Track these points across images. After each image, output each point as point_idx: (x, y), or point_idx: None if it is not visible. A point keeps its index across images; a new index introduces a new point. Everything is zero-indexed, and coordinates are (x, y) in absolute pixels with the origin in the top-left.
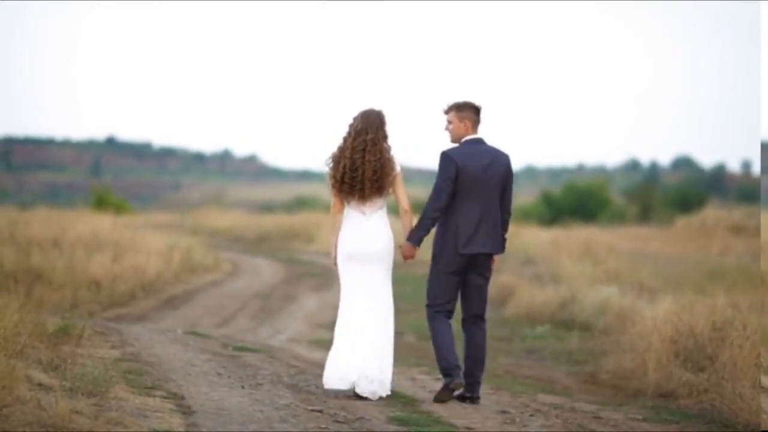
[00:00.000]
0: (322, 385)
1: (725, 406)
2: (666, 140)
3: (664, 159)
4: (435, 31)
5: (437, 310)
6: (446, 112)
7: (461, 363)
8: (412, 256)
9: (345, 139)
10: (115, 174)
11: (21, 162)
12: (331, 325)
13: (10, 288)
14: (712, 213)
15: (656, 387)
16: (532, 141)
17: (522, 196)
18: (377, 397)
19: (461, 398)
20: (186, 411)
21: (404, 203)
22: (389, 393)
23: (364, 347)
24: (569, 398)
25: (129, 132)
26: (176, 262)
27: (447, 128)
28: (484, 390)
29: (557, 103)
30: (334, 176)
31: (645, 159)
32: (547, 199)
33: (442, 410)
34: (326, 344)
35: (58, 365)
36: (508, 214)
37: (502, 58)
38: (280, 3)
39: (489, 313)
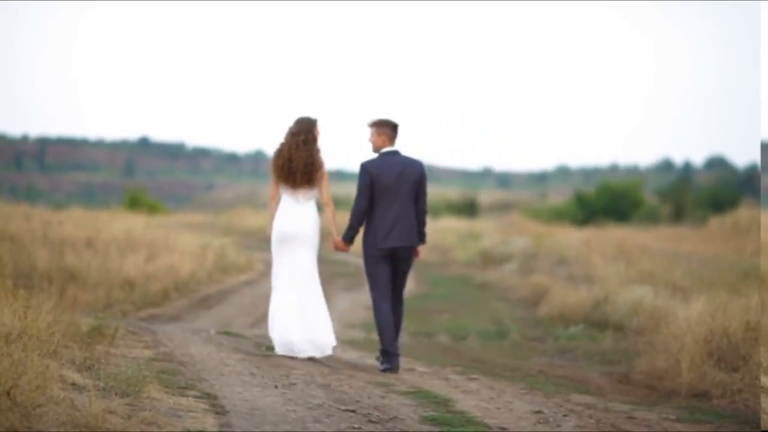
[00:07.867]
0: (355, 385)
1: (758, 406)
2: (699, 140)
3: (698, 159)
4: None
5: (376, 293)
6: (369, 126)
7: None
8: (342, 249)
9: (285, 138)
10: (148, 174)
11: (55, 162)
12: (363, 326)
13: (44, 288)
14: (746, 213)
15: (690, 387)
16: (565, 141)
17: (555, 197)
18: (307, 357)
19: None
20: (219, 411)
21: (324, 197)
22: (330, 353)
23: (289, 318)
24: (602, 398)
25: (162, 132)
26: (209, 262)
27: (369, 140)
28: (518, 390)
29: (590, 103)
30: (275, 165)
31: (678, 159)
32: (581, 200)
33: (475, 410)
34: (359, 344)
35: (91, 365)
36: (424, 212)
37: (537, 57)
38: (317, 3)
39: (522, 313)
